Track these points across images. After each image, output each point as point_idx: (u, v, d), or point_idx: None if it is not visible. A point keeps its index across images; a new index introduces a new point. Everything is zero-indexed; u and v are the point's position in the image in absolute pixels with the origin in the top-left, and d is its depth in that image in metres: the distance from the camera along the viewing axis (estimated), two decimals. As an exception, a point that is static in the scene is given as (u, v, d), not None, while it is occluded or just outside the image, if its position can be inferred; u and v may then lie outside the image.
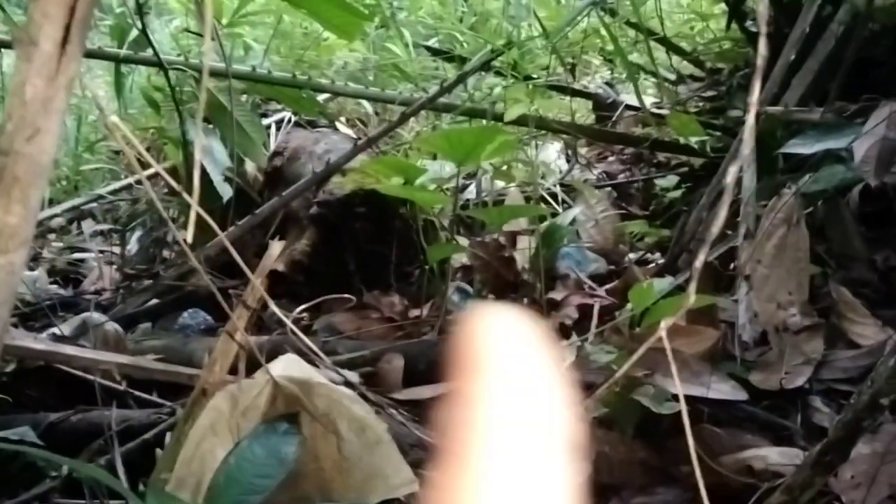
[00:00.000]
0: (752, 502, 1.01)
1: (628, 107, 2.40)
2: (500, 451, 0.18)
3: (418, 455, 1.05)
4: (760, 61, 0.55)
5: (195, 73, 1.81)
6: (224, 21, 2.08)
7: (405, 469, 0.91)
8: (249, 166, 2.11)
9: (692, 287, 0.51)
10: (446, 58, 2.47)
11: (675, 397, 1.12)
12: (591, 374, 1.29)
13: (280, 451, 0.86)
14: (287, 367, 0.95)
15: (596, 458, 1.13)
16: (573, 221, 1.93)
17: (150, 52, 1.72)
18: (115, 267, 2.21)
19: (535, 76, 2.08)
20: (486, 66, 1.99)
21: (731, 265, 1.52)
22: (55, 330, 1.57)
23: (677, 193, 2.15)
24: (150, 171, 1.86)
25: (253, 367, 0.97)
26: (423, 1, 3.07)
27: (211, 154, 1.81)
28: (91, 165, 2.90)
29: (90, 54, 1.86)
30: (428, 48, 2.65)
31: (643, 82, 2.57)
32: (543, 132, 2.19)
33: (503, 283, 1.72)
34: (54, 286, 2.20)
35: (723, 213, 0.54)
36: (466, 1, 3.17)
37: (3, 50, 1.84)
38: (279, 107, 2.44)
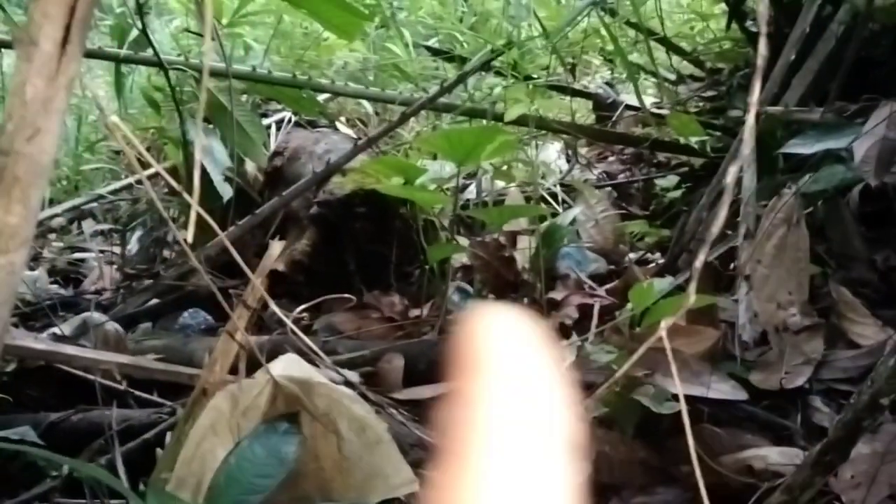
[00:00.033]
0: (752, 502, 1.01)
1: (628, 107, 2.40)
2: (499, 452, 0.18)
3: (418, 455, 1.05)
4: (760, 61, 0.56)
5: (195, 73, 1.81)
6: (224, 21, 2.08)
7: (405, 469, 0.91)
8: (249, 166, 2.11)
9: (692, 287, 0.51)
10: (446, 58, 2.47)
11: (675, 397, 1.13)
12: (591, 373, 1.29)
13: (280, 450, 0.86)
14: (287, 366, 0.95)
15: (596, 458, 1.13)
16: (573, 221, 1.93)
17: (150, 52, 1.72)
18: (115, 267, 2.21)
19: (535, 76, 2.08)
20: (486, 66, 1.99)
21: (731, 265, 1.52)
22: (55, 330, 1.57)
23: (677, 193, 2.15)
24: (151, 170, 1.86)
25: (253, 366, 0.97)
26: (423, 1, 3.07)
27: (211, 154, 1.81)
28: (91, 165, 2.90)
29: (90, 54, 1.86)
30: (428, 48, 2.65)
31: (643, 82, 2.57)
32: (543, 132, 2.19)
33: (503, 283, 1.72)
34: (54, 286, 2.20)
35: (723, 213, 0.54)
36: (466, 1, 3.17)
37: (2, 50, 1.84)
38: (279, 107, 2.44)
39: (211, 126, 1.84)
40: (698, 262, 0.55)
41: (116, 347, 1.49)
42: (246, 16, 2.21)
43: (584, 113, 2.66)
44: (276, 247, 0.98)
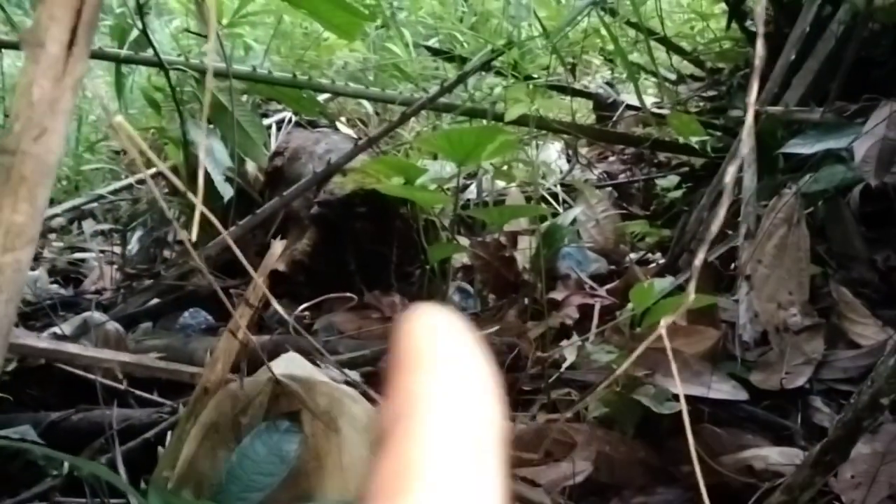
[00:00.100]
0: (752, 502, 1.01)
1: (629, 107, 2.40)
2: (428, 449, 0.19)
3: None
4: (758, 61, 0.56)
5: (196, 73, 1.81)
6: (224, 21, 2.08)
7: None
8: (250, 166, 2.11)
9: (692, 286, 0.52)
10: (446, 58, 2.47)
11: (676, 397, 1.13)
12: (591, 373, 1.30)
13: (281, 449, 0.86)
14: (288, 365, 0.95)
15: (596, 458, 1.13)
16: (574, 221, 1.93)
17: (150, 52, 1.72)
18: (115, 267, 2.21)
19: (535, 76, 2.08)
20: (486, 66, 1.99)
21: (732, 265, 1.52)
22: (56, 329, 1.57)
23: (678, 193, 2.15)
24: (153, 170, 1.86)
25: (254, 365, 0.97)
26: (423, 1, 3.07)
27: (212, 154, 1.81)
28: (91, 165, 2.90)
29: (91, 55, 1.86)
30: (428, 48, 2.65)
31: (643, 82, 2.57)
32: (544, 132, 2.19)
33: (504, 283, 1.73)
34: (55, 286, 2.20)
35: (723, 212, 0.54)
36: (466, 1, 3.17)
37: (3, 50, 1.84)
38: (280, 107, 2.44)
39: (212, 126, 1.84)
40: (698, 262, 0.56)
41: (117, 347, 1.49)
42: (246, 16, 2.21)
43: (584, 113, 2.66)
44: (278, 246, 0.98)
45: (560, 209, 2.11)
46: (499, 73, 2.10)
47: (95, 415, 1.27)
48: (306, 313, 1.66)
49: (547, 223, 1.79)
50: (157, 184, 2.24)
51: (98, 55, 1.92)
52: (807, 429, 1.21)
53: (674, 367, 0.73)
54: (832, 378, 1.29)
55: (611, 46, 2.18)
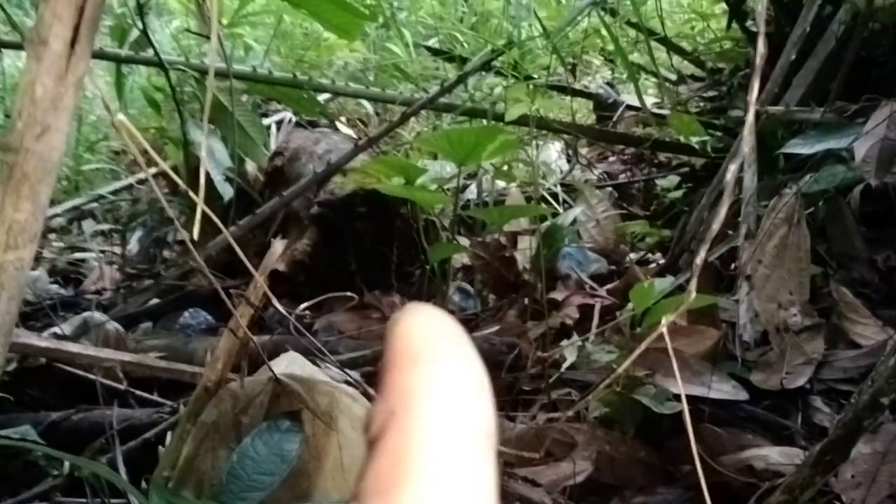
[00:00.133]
0: (752, 502, 1.01)
1: (629, 107, 2.40)
2: (420, 445, 0.19)
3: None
4: (759, 61, 0.56)
5: (196, 73, 1.81)
6: (225, 21, 2.08)
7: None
8: (250, 166, 2.11)
9: (692, 286, 0.52)
10: (446, 58, 2.47)
11: (677, 397, 1.13)
12: (591, 373, 1.30)
13: (282, 448, 0.86)
14: (289, 365, 0.95)
15: (597, 458, 1.13)
16: (574, 221, 1.93)
17: (150, 52, 1.72)
18: (115, 267, 2.21)
19: (535, 76, 2.09)
20: (486, 66, 1.99)
21: (732, 265, 1.52)
22: (56, 329, 1.57)
23: (678, 193, 2.15)
24: (154, 169, 1.86)
25: (255, 365, 0.97)
26: (423, 1, 3.07)
27: (212, 154, 1.81)
28: (91, 165, 2.90)
29: (92, 55, 1.86)
30: (428, 48, 2.65)
31: (644, 82, 2.57)
32: (544, 132, 2.19)
33: (504, 284, 1.73)
34: (55, 286, 2.20)
35: (723, 212, 0.54)
36: (467, 1, 3.17)
37: (3, 50, 1.84)
38: (280, 107, 2.44)
39: (212, 126, 1.84)
40: (698, 261, 0.56)
41: (117, 347, 1.49)
42: (246, 16, 2.21)
43: (584, 113, 2.67)
44: (278, 246, 0.98)
45: (560, 209, 2.11)
46: (499, 73, 2.10)
47: (96, 415, 1.27)
48: (306, 313, 1.66)
49: (547, 223, 1.80)
50: (157, 183, 2.24)
51: (99, 55, 1.92)
52: (807, 429, 1.21)
53: (675, 366, 0.73)
54: (832, 378, 1.29)
55: (611, 46, 2.18)
